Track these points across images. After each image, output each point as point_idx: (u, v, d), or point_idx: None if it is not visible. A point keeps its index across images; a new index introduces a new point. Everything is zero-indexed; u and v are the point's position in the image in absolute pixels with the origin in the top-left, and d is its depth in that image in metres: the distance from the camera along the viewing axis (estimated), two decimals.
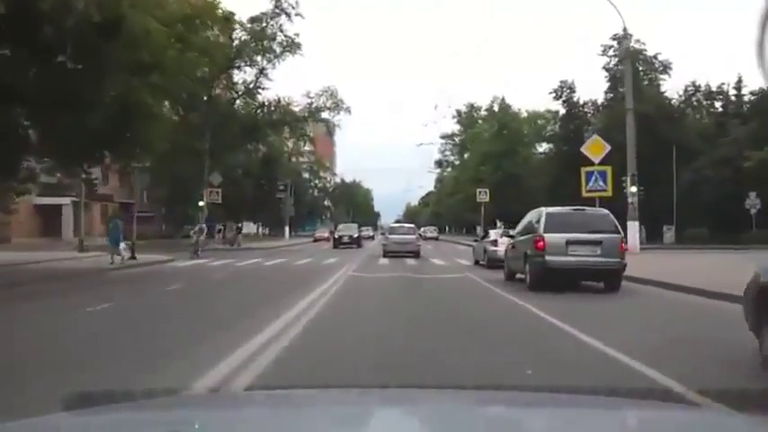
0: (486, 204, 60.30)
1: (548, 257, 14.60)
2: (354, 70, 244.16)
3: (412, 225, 38.71)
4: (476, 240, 28.24)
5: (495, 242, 23.99)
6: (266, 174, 66.50)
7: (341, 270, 21.16)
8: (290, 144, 53.56)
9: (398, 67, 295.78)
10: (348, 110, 45.08)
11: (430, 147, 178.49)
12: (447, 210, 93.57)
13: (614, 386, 3.33)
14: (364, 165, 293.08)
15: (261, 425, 1.99)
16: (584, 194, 22.13)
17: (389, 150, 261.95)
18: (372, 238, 61.47)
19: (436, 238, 66.98)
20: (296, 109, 45.25)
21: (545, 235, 15.01)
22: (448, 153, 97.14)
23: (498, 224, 47.54)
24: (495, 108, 64.21)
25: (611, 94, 52.89)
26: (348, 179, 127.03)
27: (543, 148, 65.78)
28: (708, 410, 2.77)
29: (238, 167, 63.08)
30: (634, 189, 28.72)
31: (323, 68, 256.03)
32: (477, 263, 25.08)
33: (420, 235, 41.33)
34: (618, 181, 37.07)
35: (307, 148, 72.44)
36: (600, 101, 54.92)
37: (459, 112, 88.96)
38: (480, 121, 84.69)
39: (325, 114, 45.19)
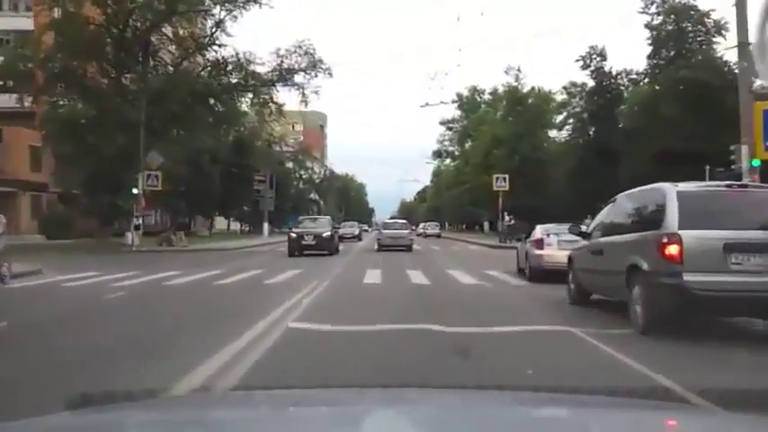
0: (497, 195, 49.96)
1: (689, 276, 7.53)
2: (346, 61, 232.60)
3: (405, 221, 38.67)
4: (518, 240, 19.02)
5: (539, 243, 15.71)
6: (239, 161, 55.58)
7: (286, 303, 10.49)
8: (252, 113, 42.49)
9: (392, 57, 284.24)
10: (329, 72, 34.24)
11: (432, 130, 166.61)
12: (447, 204, 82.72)
13: (614, 386, 2.85)
14: (358, 160, 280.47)
15: (261, 425, 1.92)
16: (762, 156, 11.35)
17: (384, 145, 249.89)
18: (358, 237, 45.28)
19: (438, 236, 56.07)
20: (262, 70, 34.36)
21: (683, 233, 7.74)
22: (447, 143, 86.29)
23: (507, 218, 37.00)
24: (507, 82, 52.47)
25: (655, 60, 42.18)
26: (340, 172, 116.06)
27: (557, 133, 54.94)
28: (708, 411, 2.46)
29: (205, 152, 52.30)
30: (756, 162, 17.96)
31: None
32: (521, 271, 17.01)
33: (413, 229, 40.66)
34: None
35: (277, 125, 61.73)
36: (639, 69, 44.19)
37: (459, 97, 78.35)
38: (484, 106, 74.24)
39: (299, 78, 34.27)
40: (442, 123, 79.26)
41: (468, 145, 75.91)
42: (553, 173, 48.45)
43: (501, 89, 68.30)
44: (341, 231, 40.48)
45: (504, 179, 37.16)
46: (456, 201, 75.82)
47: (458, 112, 78.76)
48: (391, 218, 70.91)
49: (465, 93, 77.79)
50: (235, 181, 54.52)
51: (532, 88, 49.42)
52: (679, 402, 2.92)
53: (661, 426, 1.91)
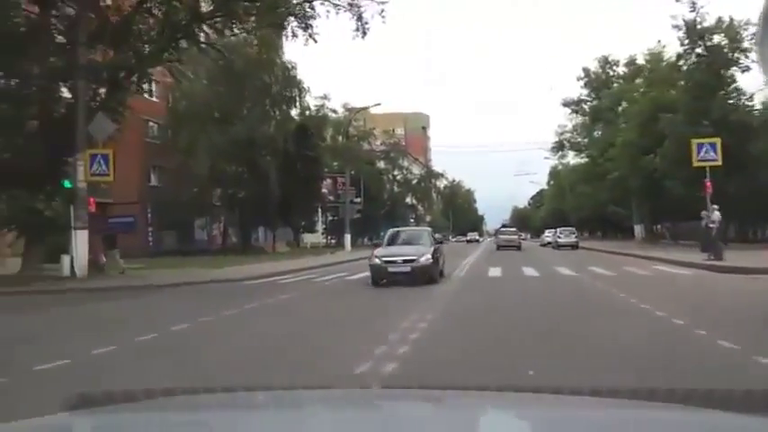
0: (655, 188, 33.15)
1: None
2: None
3: (515, 228, 48.66)
4: None
5: None
6: (303, 156, 41.17)
7: None
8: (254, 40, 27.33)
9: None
10: None
11: (549, 126, 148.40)
12: (573, 206, 65.01)
13: (616, 387, 2.75)
14: (465, 167, 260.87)
15: (261, 425, 1.81)
16: None
17: (495, 149, 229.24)
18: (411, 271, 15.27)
19: (575, 246, 38.85)
20: None
21: None
22: (568, 134, 67.90)
23: (716, 213, 20.22)
24: (680, 19, 33.52)
25: None
26: (446, 179, 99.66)
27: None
28: (710, 411, 2.05)
29: (258, 143, 38.32)
30: None
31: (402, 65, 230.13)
32: None
33: (520, 235, 47.69)
34: None
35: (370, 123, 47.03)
36: None
37: (586, 72, 60.77)
38: (621, 82, 56.72)
39: None
40: (565, 105, 61.54)
41: (596, 133, 58.63)
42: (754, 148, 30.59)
43: (641, 58, 51.22)
44: None
45: (713, 147, 20.48)
46: (587, 201, 58.39)
47: (584, 92, 61.04)
48: (503, 226, 63.59)
49: (593, 67, 60.17)
50: (299, 181, 40.18)
51: (719, 20, 31.66)
52: (682, 403, 2.18)
53: (662, 426, 1.77)
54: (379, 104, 48.59)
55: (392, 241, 17.32)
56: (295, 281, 18.07)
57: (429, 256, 15.42)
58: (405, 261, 15.19)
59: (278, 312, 11.22)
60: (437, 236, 18.88)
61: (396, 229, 19.91)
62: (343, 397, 2.32)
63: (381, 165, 62.25)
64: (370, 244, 47.54)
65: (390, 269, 15.22)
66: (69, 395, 2.12)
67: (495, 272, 19.04)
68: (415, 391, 2.72)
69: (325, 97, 49.60)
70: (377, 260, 15.60)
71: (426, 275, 14.94)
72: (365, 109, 53.81)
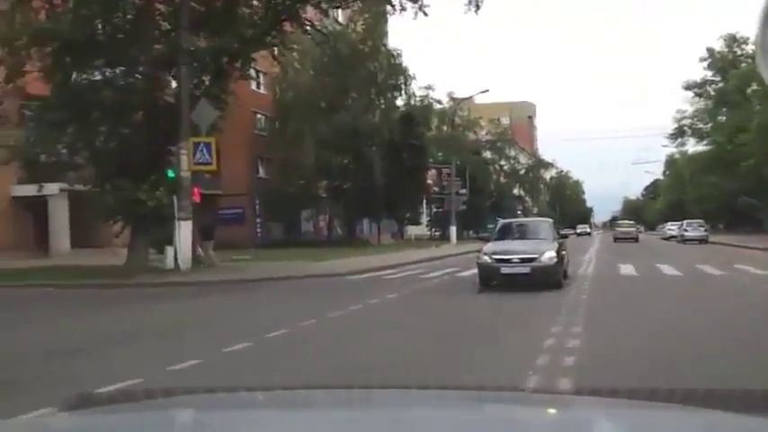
0: None
1: None
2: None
3: (632, 222, 50.64)
4: None
5: None
6: (408, 145, 39.73)
7: None
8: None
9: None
10: None
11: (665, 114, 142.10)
12: (699, 196, 59.93)
13: (617, 387, 2.60)
14: (573, 156, 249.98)
15: (261, 425, 1.80)
16: None
17: (605, 138, 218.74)
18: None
19: (703, 240, 35.19)
20: None
21: None
22: (688, 119, 62.57)
23: None
24: None
25: None
26: (555, 167, 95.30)
27: None
28: (710, 411, 2.04)
29: (363, 132, 37.24)
30: None
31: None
32: None
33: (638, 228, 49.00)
34: None
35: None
36: None
37: (711, 52, 55.94)
38: (750, 61, 51.58)
39: None
40: (687, 88, 56.97)
41: (720, 118, 53.90)
42: None
43: None
44: None
45: None
46: (712, 191, 53.74)
47: (708, 73, 56.20)
48: (613, 218, 61.51)
49: (718, 47, 55.24)
50: (404, 171, 38.78)
51: None
52: (683, 403, 2.17)
53: (662, 426, 1.75)
54: (486, 91, 46.17)
55: (504, 235, 14.25)
56: (401, 276, 16.65)
57: (552, 253, 12.50)
58: (522, 260, 12.32)
59: (387, 316, 9.81)
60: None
61: (508, 221, 17.13)
62: (344, 397, 2.27)
63: (487, 155, 59.95)
64: (476, 237, 45.50)
65: (504, 270, 12.41)
66: (69, 395, 2.05)
67: (626, 269, 16.80)
68: (415, 391, 2.69)
69: (429, 87, 48.33)
70: (486, 258, 12.75)
71: (549, 278, 12.21)
72: (470, 98, 51.95)
